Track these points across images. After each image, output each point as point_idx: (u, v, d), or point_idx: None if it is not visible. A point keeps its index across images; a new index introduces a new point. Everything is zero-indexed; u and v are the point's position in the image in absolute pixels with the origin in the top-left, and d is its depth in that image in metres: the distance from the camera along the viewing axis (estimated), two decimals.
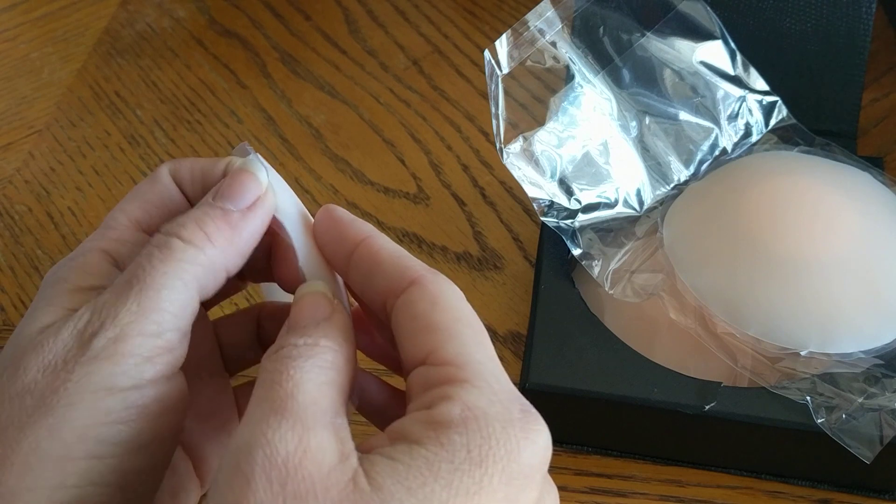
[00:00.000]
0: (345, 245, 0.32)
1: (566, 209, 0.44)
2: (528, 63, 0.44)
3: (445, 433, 0.26)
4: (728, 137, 0.47)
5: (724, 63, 0.48)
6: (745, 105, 0.48)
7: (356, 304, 0.34)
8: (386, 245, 0.31)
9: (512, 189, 0.53)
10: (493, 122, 0.43)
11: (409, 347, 0.29)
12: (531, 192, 0.44)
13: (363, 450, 0.27)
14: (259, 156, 0.34)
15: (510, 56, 0.43)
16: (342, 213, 0.33)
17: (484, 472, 0.26)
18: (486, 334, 0.29)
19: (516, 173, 0.44)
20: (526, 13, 0.43)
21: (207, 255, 0.31)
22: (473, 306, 0.47)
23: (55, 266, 0.33)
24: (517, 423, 0.27)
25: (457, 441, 0.26)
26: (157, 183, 0.34)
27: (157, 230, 0.32)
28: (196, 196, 0.34)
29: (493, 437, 0.26)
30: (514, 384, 0.29)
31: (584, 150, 0.45)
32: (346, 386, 0.29)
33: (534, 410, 0.28)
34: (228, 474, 0.26)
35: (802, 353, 0.39)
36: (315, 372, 0.28)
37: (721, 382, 0.39)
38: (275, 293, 0.38)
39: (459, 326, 0.29)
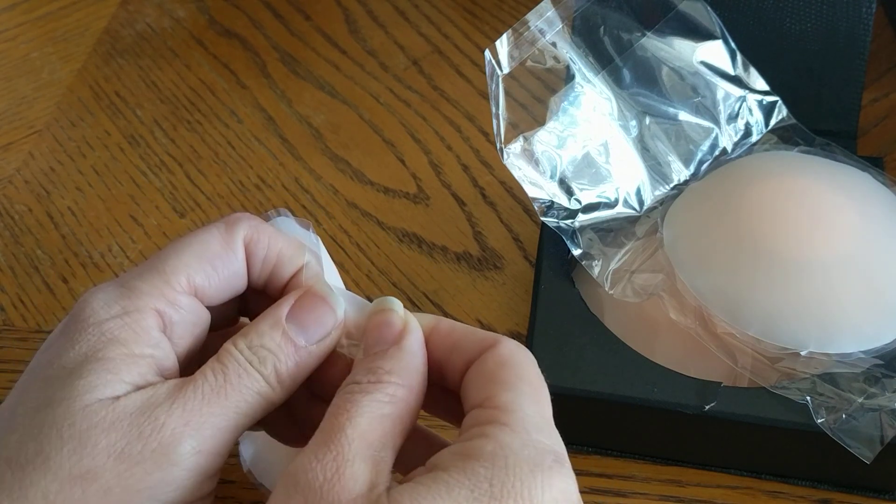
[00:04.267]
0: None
1: (566, 209, 0.44)
2: (529, 63, 0.44)
3: (471, 464, 0.28)
4: (728, 137, 0.47)
5: (725, 63, 0.48)
6: (745, 105, 0.48)
7: None
8: (455, 325, 0.33)
9: (512, 189, 0.53)
10: (494, 122, 0.43)
11: (471, 397, 0.31)
12: (531, 192, 0.44)
13: (405, 480, 0.29)
14: (317, 237, 0.36)
15: (510, 56, 0.43)
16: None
17: None
18: (547, 395, 0.31)
19: (516, 173, 0.44)
20: (526, 13, 0.43)
21: (280, 393, 0.32)
22: (473, 306, 0.48)
23: (101, 304, 0.31)
24: (546, 469, 0.28)
25: (480, 473, 0.27)
26: (229, 251, 0.33)
27: (224, 302, 0.33)
28: (259, 275, 0.34)
29: (518, 478, 0.27)
30: None
31: (584, 150, 0.45)
32: (404, 416, 0.30)
33: (568, 463, 0.29)
34: (279, 492, 0.28)
35: (802, 353, 0.39)
36: (371, 406, 0.30)
37: (721, 382, 0.39)
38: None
39: (519, 382, 0.30)
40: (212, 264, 0.33)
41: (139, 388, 0.30)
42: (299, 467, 0.28)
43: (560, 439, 0.30)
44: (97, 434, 0.28)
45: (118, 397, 0.29)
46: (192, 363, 0.33)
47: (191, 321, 0.33)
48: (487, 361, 0.31)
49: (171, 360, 0.32)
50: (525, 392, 0.30)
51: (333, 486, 0.27)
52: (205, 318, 0.33)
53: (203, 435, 0.30)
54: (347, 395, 0.30)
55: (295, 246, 0.35)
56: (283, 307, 0.33)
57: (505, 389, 0.30)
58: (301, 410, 0.35)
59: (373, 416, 0.29)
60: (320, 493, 0.27)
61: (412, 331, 0.32)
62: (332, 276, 0.35)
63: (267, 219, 0.36)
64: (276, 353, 0.32)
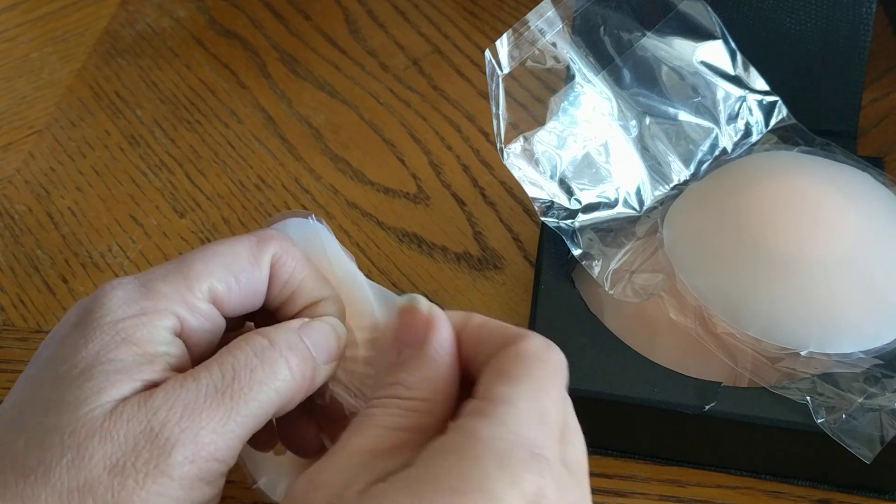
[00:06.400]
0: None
1: (566, 209, 0.44)
2: (529, 63, 0.44)
3: (435, 458, 0.27)
4: (728, 137, 0.47)
5: (725, 63, 0.48)
6: (745, 105, 0.48)
7: None
8: (487, 320, 0.32)
9: (512, 189, 0.53)
10: (494, 122, 0.43)
11: (475, 391, 0.29)
12: (531, 192, 0.44)
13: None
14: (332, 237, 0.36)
15: (511, 56, 0.43)
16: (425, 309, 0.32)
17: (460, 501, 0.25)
18: (558, 396, 0.29)
19: (516, 173, 0.44)
20: (526, 13, 0.43)
21: (294, 389, 0.31)
22: (473, 306, 0.48)
23: (120, 302, 0.31)
24: (518, 463, 0.26)
25: (444, 467, 0.26)
26: (255, 267, 0.33)
27: (238, 315, 0.33)
28: (276, 296, 0.34)
29: (484, 471, 0.26)
30: None
31: (584, 150, 0.45)
32: (425, 425, 0.29)
33: (549, 461, 0.27)
34: None
35: (802, 353, 0.39)
36: (383, 419, 0.29)
37: (721, 382, 0.39)
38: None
39: (524, 377, 0.29)
40: (236, 276, 0.33)
41: (151, 384, 0.30)
42: (300, 483, 0.28)
43: (556, 439, 0.28)
44: (94, 444, 0.28)
45: (122, 399, 0.29)
46: None
47: (207, 329, 0.32)
48: (502, 357, 0.29)
49: (185, 361, 0.32)
50: (525, 387, 0.28)
51: (316, 492, 0.27)
52: (220, 326, 0.33)
53: (200, 442, 0.29)
54: (366, 410, 0.30)
55: (319, 279, 0.35)
56: (297, 321, 0.33)
57: (505, 383, 0.28)
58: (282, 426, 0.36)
59: (384, 428, 0.29)
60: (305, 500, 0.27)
61: (437, 331, 0.31)
62: (350, 269, 0.36)
63: (304, 216, 0.36)
64: (299, 348, 0.32)
